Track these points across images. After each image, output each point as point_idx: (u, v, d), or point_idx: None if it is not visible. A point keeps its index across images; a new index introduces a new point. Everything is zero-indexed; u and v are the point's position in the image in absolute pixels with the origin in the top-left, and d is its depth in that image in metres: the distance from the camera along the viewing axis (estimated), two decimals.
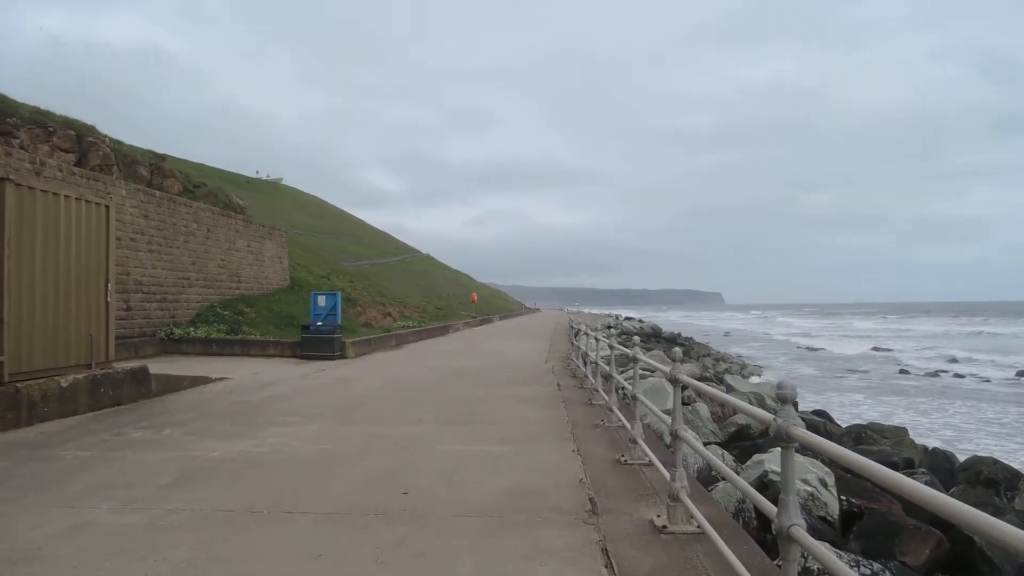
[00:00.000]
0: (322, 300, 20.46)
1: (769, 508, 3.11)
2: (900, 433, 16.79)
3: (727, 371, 38.77)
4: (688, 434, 4.83)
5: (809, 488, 9.42)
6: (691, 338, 61.30)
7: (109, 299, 10.58)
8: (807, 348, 65.55)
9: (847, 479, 10.39)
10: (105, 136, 21.05)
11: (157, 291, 20.82)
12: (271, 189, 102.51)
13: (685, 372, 5.23)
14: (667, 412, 11.68)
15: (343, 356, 19.55)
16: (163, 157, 26.23)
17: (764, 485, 9.45)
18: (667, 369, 5.07)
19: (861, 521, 9.50)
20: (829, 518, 9.24)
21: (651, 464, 6.43)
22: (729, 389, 15.82)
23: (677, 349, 5.15)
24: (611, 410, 8.81)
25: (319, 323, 19.64)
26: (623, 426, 8.32)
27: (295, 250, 45.25)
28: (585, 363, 15.26)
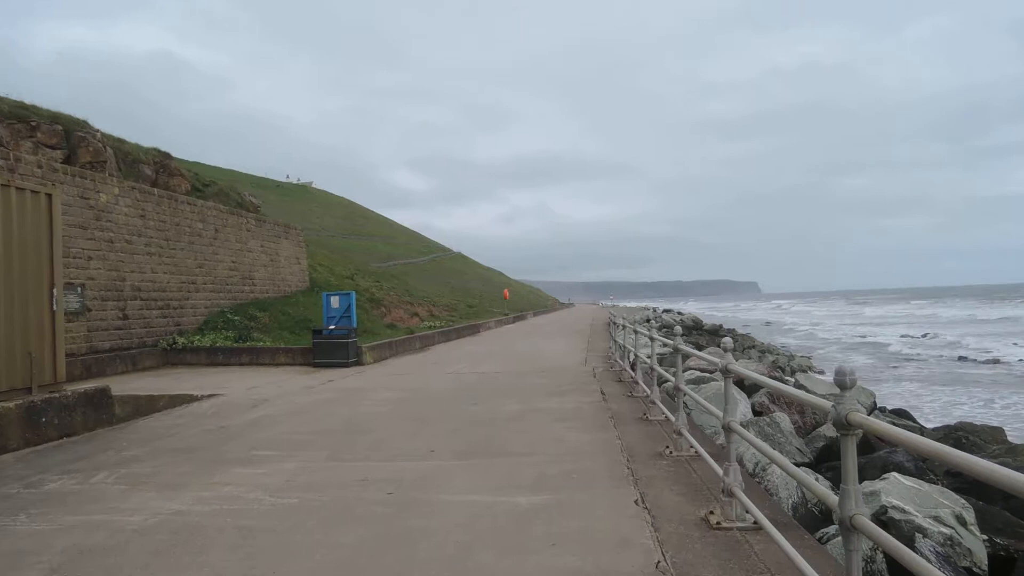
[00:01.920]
0: (335, 301, 18.56)
1: None
2: (997, 434, 14.28)
3: (785, 366, 36.10)
4: (864, 510, 2.66)
5: (945, 529, 7.13)
6: (733, 329, 58.57)
7: (56, 307, 8.71)
8: (859, 337, 62.39)
9: (982, 509, 8.08)
10: (97, 131, 19.40)
11: (159, 297, 19.12)
12: (301, 193, 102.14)
13: (752, 372, 3.20)
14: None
15: (359, 362, 17.62)
16: (168, 155, 24.59)
17: (883, 524, 7.19)
18: (827, 405, 2.91)
19: (1016, 572, 7.23)
20: (976, 568, 6.94)
21: (759, 528, 4.28)
22: (800, 389, 13.52)
23: (849, 367, 2.95)
24: (679, 434, 6.63)
25: (331, 327, 17.73)
26: (697, 455, 6.17)
27: (321, 252, 43.71)
28: (633, 366, 13.10)
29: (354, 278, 36.89)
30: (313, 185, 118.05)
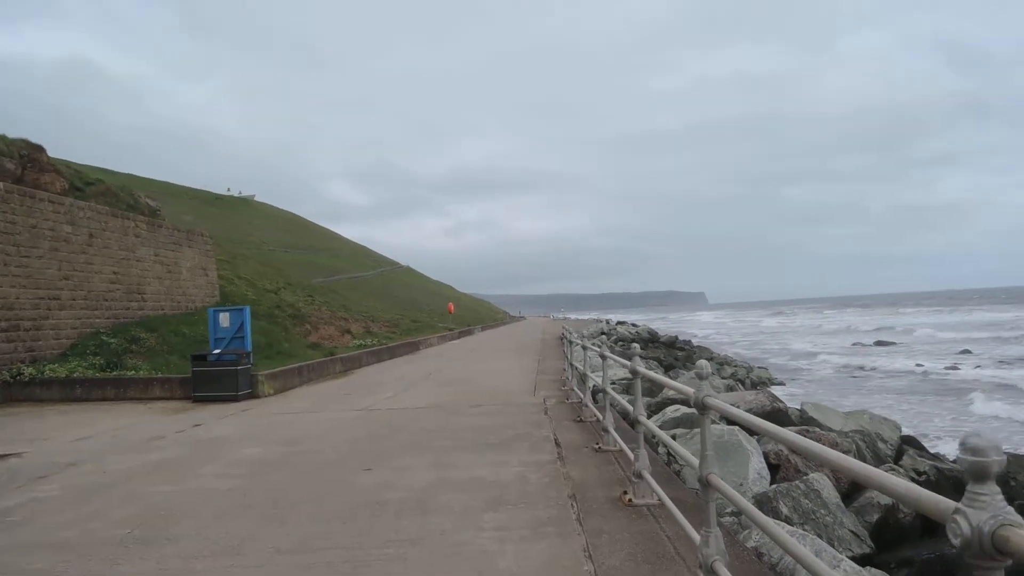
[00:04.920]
0: (224, 318, 14.93)
1: None
2: None
3: (744, 379, 33.49)
4: None
5: None
6: (688, 341, 56.30)
7: None
8: (809, 345, 60.82)
9: None
10: None
11: (2, 316, 15.22)
12: (242, 206, 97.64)
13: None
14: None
15: (253, 394, 14.06)
16: (40, 148, 20.60)
17: None
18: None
19: None
20: None
21: None
22: (807, 426, 10.40)
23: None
24: (713, 574, 3.43)
25: (217, 351, 14.13)
26: None
27: (249, 264, 39.69)
28: (595, 397, 9.93)
29: (279, 292, 33.02)
30: (256, 198, 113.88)
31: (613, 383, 12.80)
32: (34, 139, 20.53)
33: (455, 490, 5.93)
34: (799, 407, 10.88)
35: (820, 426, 10.01)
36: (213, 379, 13.70)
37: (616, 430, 7.25)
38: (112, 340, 17.66)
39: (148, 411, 12.68)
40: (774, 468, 7.68)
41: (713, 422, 7.59)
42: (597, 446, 7.33)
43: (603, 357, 7.48)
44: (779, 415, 9.99)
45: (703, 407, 3.27)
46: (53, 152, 22.12)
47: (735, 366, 38.93)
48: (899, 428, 10.56)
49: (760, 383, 35.10)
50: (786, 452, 7.73)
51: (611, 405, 7.37)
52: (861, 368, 39.40)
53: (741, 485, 6.94)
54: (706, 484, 3.34)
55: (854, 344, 58.43)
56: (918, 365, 38.53)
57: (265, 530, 5.07)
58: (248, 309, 15.34)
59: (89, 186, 22.56)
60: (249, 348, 14.65)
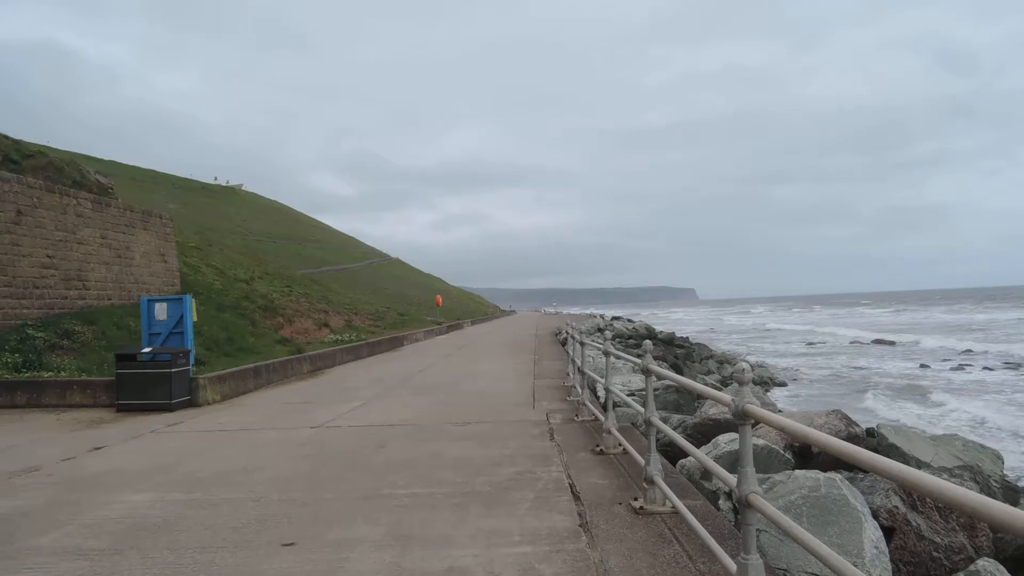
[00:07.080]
0: (161, 310, 12.44)
1: None
2: None
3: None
4: None
5: None
6: (687, 338, 54.05)
7: None
8: (806, 344, 58.69)
9: None
10: None
11: None
12: (229, 195, 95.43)
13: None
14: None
15: (193, 402, 11.56)
16: None
17: None
18: None
19: None
20: None
21: None
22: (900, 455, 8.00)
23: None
24: None
25: (148, 349, 11.61)
26: None
27: (228, 253, 37.16)
28: (606, 406, 7.51)
29: (251, 282, 30.44)
30: (244, 188, 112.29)
31: (632, 394, 10.40)
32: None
33: None
34: (874, 429, 8.52)
35: (905, 456, 7.64)
36: (142, 384, 11.19)
37: (663, 475, 4.86)
38: (39, 334, 15.09)
39: (55, 424, 10.19)
40: (887, 531, 5.33)
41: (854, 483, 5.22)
42: (638, 505, 4.92)
43: (646, 372, 5.04)
44: (856, 442, 7.61)
45: None
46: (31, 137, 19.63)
47: (735, 364, 36.54)
48: (1001, 459, 8.22)
49: (762, 383, 32.73)
50: (903, 510, 5.36)
51: (657, 442, 4.97)
52: (860, 368, 37.28)
53: (854, 564, 4.59)
54: None
55: (852, 343, 56.46)
56: (922, 366, 36.53)
57: None
58: (189, 298, 12.81)
59: (28, 159, 19.94)
60: (190, 346, 12.15)
